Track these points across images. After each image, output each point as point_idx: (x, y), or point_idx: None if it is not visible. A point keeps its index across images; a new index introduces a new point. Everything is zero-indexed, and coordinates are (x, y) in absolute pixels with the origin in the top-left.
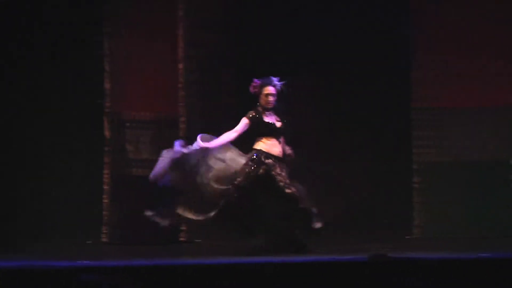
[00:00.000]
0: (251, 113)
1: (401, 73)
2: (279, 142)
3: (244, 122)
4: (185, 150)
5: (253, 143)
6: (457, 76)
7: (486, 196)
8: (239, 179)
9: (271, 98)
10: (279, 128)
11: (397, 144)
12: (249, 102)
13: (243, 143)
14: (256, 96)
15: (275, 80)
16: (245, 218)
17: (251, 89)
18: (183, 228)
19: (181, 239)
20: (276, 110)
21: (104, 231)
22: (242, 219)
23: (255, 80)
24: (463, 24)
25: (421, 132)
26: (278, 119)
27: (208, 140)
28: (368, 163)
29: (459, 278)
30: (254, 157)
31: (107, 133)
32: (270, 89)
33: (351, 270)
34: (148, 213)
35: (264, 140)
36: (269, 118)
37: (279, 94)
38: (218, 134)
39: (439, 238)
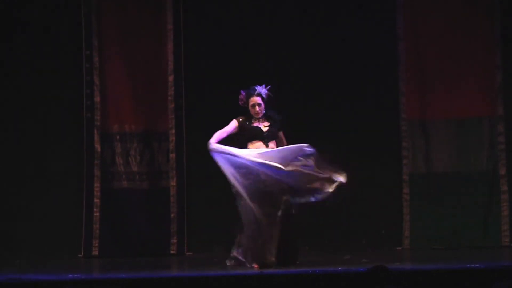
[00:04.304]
0: (241, 117)
1: (390, 85)
2: (266, 146)
3: (233, 123)
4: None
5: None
6: (445, 87)
7: (476, 206)
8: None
9: (257, 108)
10: (264, 132)
11: (386, 155)
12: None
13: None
14: (246, 108)
15: (259, 88)
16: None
17: (240, 102)
18: (174, 240)
19: (172, 251)
20: (269, 117)
21: (95, 245)
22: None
23: (242, 91)
24: (450, 37)
25: (411, 143)
26: (267, 124)
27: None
28: (357, 174)
29: None
30: None
31: (97, 146)
32: (255, 99)
33: (349, 282)
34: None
35: (249, 145)
36: (258, 123)
37: (268, 101)
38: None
39: (429, 249)
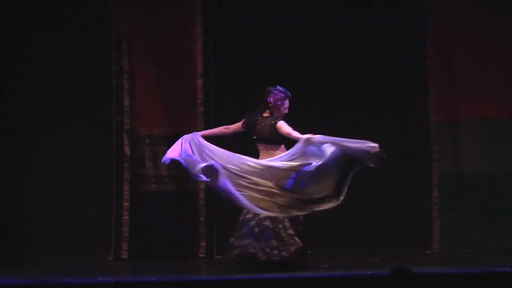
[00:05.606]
0: None
1: (419, 87)
2: None
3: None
4: None
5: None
6: (474, 89)
7: (506, 209)
8: None
9: None
10: None
11: (416, 158)
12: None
13: None
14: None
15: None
16: None
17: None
18: (202, 243)
19: (201, 255)
20: None
21: (124, 248)
22: None
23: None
24: (479, 39)
25: (440, 146)
26: None
27: None
28: (387, 177)
29: None
30: None
31: (126, 149)
32: None
33: (378, 285)
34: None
35: None
36: None
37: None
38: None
39: (458, 253)
